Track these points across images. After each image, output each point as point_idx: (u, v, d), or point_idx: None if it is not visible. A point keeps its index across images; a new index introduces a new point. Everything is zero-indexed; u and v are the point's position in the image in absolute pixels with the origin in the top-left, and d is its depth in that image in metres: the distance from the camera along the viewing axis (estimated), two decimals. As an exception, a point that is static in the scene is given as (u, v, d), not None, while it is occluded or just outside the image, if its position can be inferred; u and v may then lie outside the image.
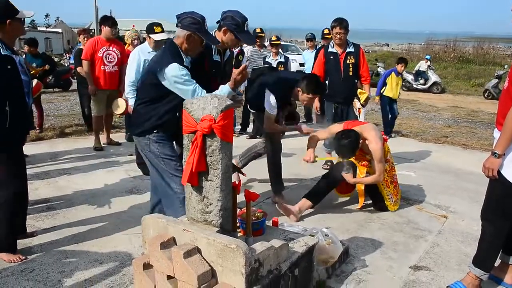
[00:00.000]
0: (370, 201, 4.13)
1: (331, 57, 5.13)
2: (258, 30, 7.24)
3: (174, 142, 3.16)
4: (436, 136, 7.66)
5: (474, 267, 2.68)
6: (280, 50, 7.22)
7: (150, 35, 4.83)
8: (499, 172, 2.47)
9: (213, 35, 3.24)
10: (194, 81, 2.85)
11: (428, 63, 15.54)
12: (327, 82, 5.23)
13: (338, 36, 4.96)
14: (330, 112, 5.24)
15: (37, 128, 6.82)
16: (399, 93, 7.71)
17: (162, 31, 4.86)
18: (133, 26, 6.76)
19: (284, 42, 19.77)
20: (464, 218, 3.96)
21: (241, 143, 6.09)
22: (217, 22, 3.29)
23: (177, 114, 2.85)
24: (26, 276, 2.82)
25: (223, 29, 3.20)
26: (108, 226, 3.62)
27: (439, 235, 3.62)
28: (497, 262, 2.78)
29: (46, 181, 4.72)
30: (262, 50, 7.11)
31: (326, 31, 7.08)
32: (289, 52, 16.36)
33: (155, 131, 2.97)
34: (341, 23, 4.93)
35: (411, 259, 3.18)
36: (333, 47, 5.13)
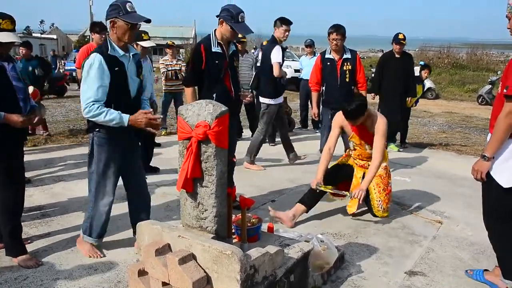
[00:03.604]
0: (365, 208, 4.13)
1: (328, 63, 5.19)
2: (239, 36, 7.20)
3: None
4: (431, 141, 7.70)
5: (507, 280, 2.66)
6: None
7: (138, 42, 4.83)
8: (490, 176, 2.49)
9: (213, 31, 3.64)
10: (97, 87, 2.75)
11: (422, 68, 15.63)
12: (323, 88, 5.28)
13: (335, 42, 5.01)
14: (326, 118, 5.27)
15: (44, 132, 6.88)
16: (412, 102, 6.94)
17: (149, 38, 4.89)
18: None
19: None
20: (459, 224, 3.97)
21: (237, 150, 6.07)
22: (217, 16, 3.57)
23: None
24: (20, 284, 2.80)
25: (219, 21, 3.52)
26: (102, 233, 3.60)
27: (434, 240, 3.62)
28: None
29: (40, 188, 4.70)
30: (245, 55, 7.07)
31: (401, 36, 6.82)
32: (284, 58, 16.32)
33: None
34: (338, 29, 4.99)
35: (406, 265, 3.19)
36: (330, 54, 5.19)
